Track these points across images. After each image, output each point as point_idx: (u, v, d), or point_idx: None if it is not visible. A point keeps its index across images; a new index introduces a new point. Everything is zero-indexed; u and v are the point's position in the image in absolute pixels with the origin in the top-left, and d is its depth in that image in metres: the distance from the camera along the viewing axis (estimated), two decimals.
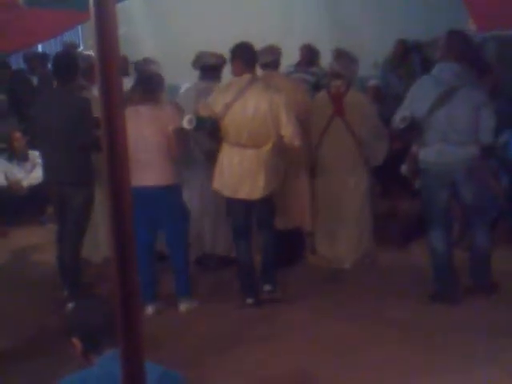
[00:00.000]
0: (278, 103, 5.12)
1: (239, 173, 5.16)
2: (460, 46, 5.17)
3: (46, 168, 5.55)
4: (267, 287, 5.44)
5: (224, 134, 5.20)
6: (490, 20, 5.94)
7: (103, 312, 2.49)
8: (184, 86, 6.39)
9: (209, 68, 6.06)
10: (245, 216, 5.34)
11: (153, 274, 5.30)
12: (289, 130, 5.13)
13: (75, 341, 2.50)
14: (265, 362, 4.51)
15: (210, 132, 5.24)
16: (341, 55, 5.97)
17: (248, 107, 5.09)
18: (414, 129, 5.12)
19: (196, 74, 6.21)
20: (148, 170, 5.04)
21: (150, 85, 5.25)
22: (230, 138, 5.19)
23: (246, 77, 5.17)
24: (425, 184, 5.32)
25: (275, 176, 5.27)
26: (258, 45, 5.39)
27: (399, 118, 5.09)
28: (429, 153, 5.19)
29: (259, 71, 5.69)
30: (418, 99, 5.15)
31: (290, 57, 7.87)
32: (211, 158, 5.54)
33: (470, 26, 5.82)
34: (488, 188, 5.54)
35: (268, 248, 5.44)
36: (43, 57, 9.73)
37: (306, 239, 6.35)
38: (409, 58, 8.93)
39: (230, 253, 6.03)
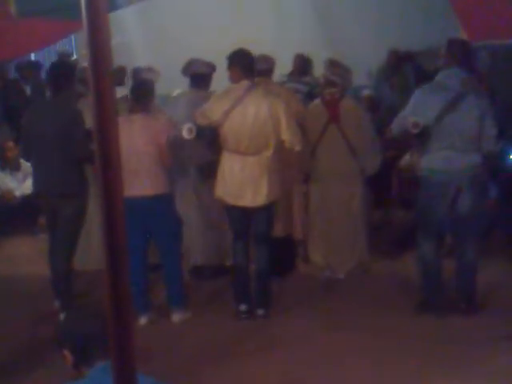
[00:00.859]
0: (278, 108, 5.12)
1: (241, 180, 5.14)
2: (462, 53, 5.15)
3: (37, 179, 5.52)
4: (260, 311, 5.34)
5: (223, 141, 5.18)
6: (481, 30, 5.96)
7: (94, 323, 2.44)
8: (175, 92, 6.37)
9: (199, 76, 6.06)
10: (245, 222, 5.30)
11: (145, 283, 5.28)
12: (289, 135, 5.13)
13: (66, 353, 2.46)
14: (258, 372, 4.49)
15: (210, 141, 5.23)
16: (334, 64, 5.98)
17: (248, 114, 5.08)
18: (425, 135, 5.06)
19: (187, 82, 6.20)
20: (140, 179, 5.03)
21: (139, 93, 5.24)
22: (229, 146, 5.17)
23: (244, 83, 5.15)
24: (424, 193, 5.22)
25: (278, 182, 5.26)
26: (252, 54, 5.39)
27: (411, 123, 4.97)
28: (433, 160, 5.11)
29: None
30: (423, 106, 5.08)
31: (284, 67, 7.88)
32: (207, 171, 5.54)
33: (461, 36, 5.83)
34: (486, 197, 5.53)
35: (263, 268, 5.36)
36: (36, 66, 9.72)
37: (296, 248, 6.33)
38: (401, 68, 8.95)
39: (225, 261, 6.01)
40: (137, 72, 6.77)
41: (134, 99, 5.20)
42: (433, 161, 5.11)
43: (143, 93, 5.25)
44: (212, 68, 6.05)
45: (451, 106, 5.01)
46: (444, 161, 5.05)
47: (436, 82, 5.18)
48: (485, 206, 6.29)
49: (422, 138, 5.10)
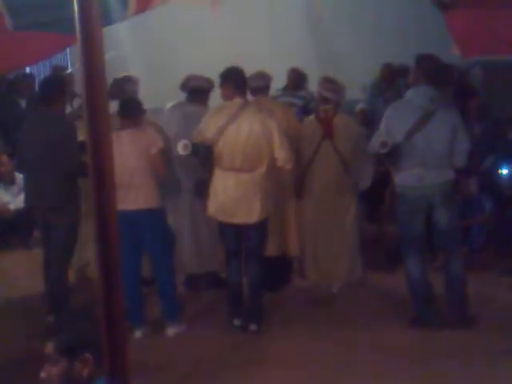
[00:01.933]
0: (271, 127, 5.15)
1: (234, 197, 5.15)
2: (430, 70, 5.23)
3: (30, 192, 5.51)
4: (253, 327, 5.32)
5: (217, 158, 5.19)
6: (474, 46, 5.99)
7: (90, 335, 2.41)
8: (169, 105, 6.32)
9: (197, 91, 6.04)
10: (238, 240, 5.31)
11: (139, 297, 5.26)
12: (282, 154, 5.15)
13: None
14: None
15: (204, 158, 5.23)
16: (328, 81, 6.01)
17: (242, 131, 5.10)
18: (394, 154, 5.12)
19: (183, 96, 6.19)
20: (132, 193, 5.02)
21: (127, 109, 5.23)
22: (223, 163, 5.18)
23: (238, 101, 5.19)
24: (401, 209, 5.30)
25: (270, 199, 5.28)
26: (246, 69, 5.40)
27: (379, 143, 5.09)
28: (406, 177, 5.18)
29: (249, 96, 5.70)
30: (394, 125, 5.16)
31: (278, 81, 7.90)
32: (201, 188, 5.54)
33: (454, 52, 5.86)
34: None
35: (255, 284, 5.36)
36: (31, 79, 9.71)
37: (292, 264, 6.32)
38: (395, 83, 8.98)
39: (219, 270, 6.00)
40: (117, 84, 6.62)
41: (123, 115, 5.19)
42: (405, 178, 5.19)
43: (131, 109, 5.24)
44: (210, 84, 6.03)
45: (420, 125, 5.07)
46: (416, 178, 5.12)
47: (405, 100, 5.26)
48: (473, 222, 6.36)
49: (391, 157, 5.17)
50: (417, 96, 5.15)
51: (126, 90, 5.81)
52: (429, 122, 5.06)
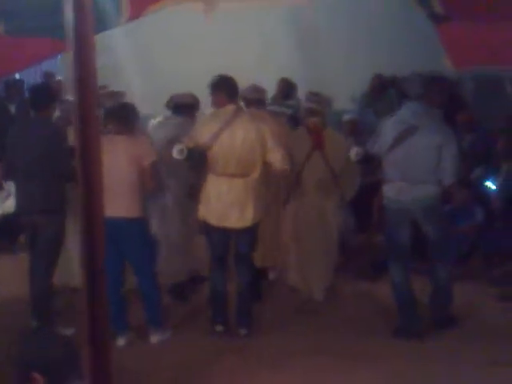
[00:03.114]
0: (264, 132, 5.22)
1: (227, 202, 5.19)
2: (423, 87, 5.33)
3: (20, 196, 5.50)
4: (243, 331, 5.36)
5: (211, 164, 5.23)
6: (466, 57, 6.04)
7: (63, 342, 2.34)
8: (156, 120, 6.32)
9: (182, 106, 6.09)
10: (225, 246, 5.35)
11: (122, 303, 5.23)
12: (277, 155, 5.21)
13: (36, 376, 2.25)
14: None
15: (197, 163, 5.25)
16: (313, 94, 6.10)
17: (236, 137, 5.16)
18: (369, 162, 5.35)
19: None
20: (116, 200, 4.97)
21: (123, 115, 5.24)
22: (217, 168, 5.22)
23: (231, 108, 5.25)
24: (387, 219, 5.44)
25: (261, 205, 5.34)
26: (236, 78, 5.43)
27: (355, 151, 5.35)
28: (389, 189, 5.31)
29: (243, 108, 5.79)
30: (382, 136, 5.33)
31: (268, 91, 7.93)
32: (193, 192, 5.56)
33: (446, 63, 5.91)
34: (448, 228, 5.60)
35: (244, 288, 5.40)
36: (21, 85, 9.69)
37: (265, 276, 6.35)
38: (385, 93, 9.01)
39: (201, 271, 6.03)
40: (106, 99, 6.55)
41: (117, 120, 5.18)
42: (389, 190, 5.32)
43: (126, 115, 5.25)
44: (195, 100, 6.12)
45: (401, 138, 5.16)
46: (397, 191, 5.24)
47: (397, 115, 5.38)
48: (462, 231, 6.40)
49: (366, 164, 5.59)
50: (404, 111, 5.30)
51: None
52: (410, 137, 5.13)
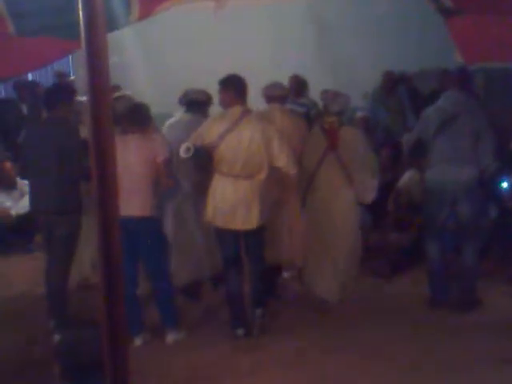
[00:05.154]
0: (271, 134, 5.20)
1: (233, 203, 5.17)
2: (459, 78, 5.82)
3: (35, 196, 5.53)
4: (259, 312, 5.38)
5: (217, 164, 5.22)
6: (477, 52, 6.00)
7: (91, 344, 2.40)
8: (170, 121, 6.31)
9: (195, 103, 6.07)
10: (236, 246, 5.33)
11: (137, 304, 5.23)
12: (284, 160, 5.21)
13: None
14: None
15: (203, 162, 5.24)
16: (333, 94, 6.02)
17: (243, 138, 5.14)
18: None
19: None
20: (129, 199, 4.98)
21: (137, 115, 5.24)
22: (223, 168, 5.21)
23: (239, 109, 5.22)
24: (428, 201, 5.91)
25: (267, 205, 5.32)
26: (247, 76, 5.41)
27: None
28: (433, 173, 5.78)
29: (264, 104, 5.90)
30: (424, 126, 5.81)
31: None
32: (200, 189, 5.54)
33: (457, 58, 5.88)
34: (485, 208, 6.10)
35: (257, 280, 5.41)
36: (33, 85, 9.73)
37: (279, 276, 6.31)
38: (396, 90, 8.98)
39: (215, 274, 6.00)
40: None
41: (130, 120, 5.19)
42: (433, 173, 5.80)
43: (140, 117, 5.24)
44: (208, 97, 6.09)
45: (444, 126, 5.64)
46: (440, 173, 5.71)
47: (436, 105, 5.82)
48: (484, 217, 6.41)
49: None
50: (443, 101, 5.76)
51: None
52: (453, 124, 5.60)
